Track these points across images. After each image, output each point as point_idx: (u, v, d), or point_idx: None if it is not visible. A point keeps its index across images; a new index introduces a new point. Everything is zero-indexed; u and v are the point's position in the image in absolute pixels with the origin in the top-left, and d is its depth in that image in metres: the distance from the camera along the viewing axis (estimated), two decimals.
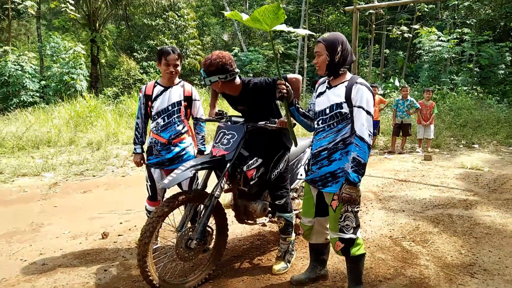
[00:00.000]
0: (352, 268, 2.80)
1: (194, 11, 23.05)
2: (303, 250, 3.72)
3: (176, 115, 3.57)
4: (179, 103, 3.57)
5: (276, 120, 3.05)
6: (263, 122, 3.07)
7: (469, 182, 6.39)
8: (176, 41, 20.31)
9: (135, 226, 4.44)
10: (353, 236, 2.69)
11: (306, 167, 3.70)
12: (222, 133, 3.12)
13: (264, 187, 3.37)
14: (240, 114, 3.39)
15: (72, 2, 14.85)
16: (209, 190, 3.05)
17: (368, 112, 2.56)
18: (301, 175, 3.75)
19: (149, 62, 19.56)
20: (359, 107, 2.57)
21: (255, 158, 3.19)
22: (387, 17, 20.94)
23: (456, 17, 20.45)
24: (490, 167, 7.52)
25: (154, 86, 3.60)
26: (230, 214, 3.43)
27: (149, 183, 3.65)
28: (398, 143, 9.71)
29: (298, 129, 10.33)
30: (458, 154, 9.11)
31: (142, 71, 18.84)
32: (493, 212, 4.83)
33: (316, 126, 2.82)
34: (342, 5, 22.60)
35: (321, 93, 2.82)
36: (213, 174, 3.16)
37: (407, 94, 9.40)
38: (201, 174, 3.14)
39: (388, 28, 19.10)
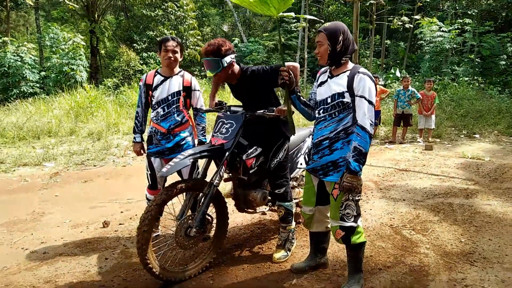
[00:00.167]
0: (352, 256, 2.81)
1: (194, 2, 22.87)
2: (303, 238, 3.73)
3: (175, 105, 3.55)
4: (178, 93, 3.56)
5: (274, 108, 3.04)
6: (262, 111, 3.06)
7: (470, 172, 6.39)
8: (175, 32, 20.18)
9: (136, 215, 4.44)
10: (353, 224, 2.69)
11: (306, 156, 3.72)
12: (221, 123, 3.11)
13: (264, 176, 3.37)
14: (239, 104, 3.39)
15: None
16: (209, 179, 3.05)
17: (370, 102, 2.55)
18: (301, 164, 3.75)
19: (149, 53, 19.46)
20: (361, 96, 2.56)
21: (255, 147, 3.19)
22: (388, 7, 20.79)
23: (457, 8, 20.32)
24: (491, 156, 7.52)
25: (155, 76, 3.59)
26: (230, 203, 3.44)
27: (149, 172, 3.64)
28: (399, 133, 9.70)
29: (299, 119, 10.32)
30: (459, 144, 9.10)
31: (142, 62, 18.77)
32: (494, 201, 4.84)
33: (317, 115, 2.81)
34: None
35: (322, 83, 2.80)
36: (213, 163, 3.16)
37: (408, 85, 9.37)
38: (201, 163, 3.14)
39: (389, 19, 19.00)
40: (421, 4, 19.79)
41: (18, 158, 7.08)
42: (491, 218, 4.27)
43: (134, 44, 20.28)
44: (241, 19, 25.33)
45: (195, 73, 19.83)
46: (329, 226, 2.97)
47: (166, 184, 3.28)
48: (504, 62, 17.36)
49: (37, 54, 17.92)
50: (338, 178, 2.66)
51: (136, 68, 18.11)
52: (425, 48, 18.08)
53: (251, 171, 3.17)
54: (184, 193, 3.02)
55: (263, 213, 3.66)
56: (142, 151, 3.72)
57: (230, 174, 3.29)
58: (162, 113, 3.55)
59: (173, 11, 20.60)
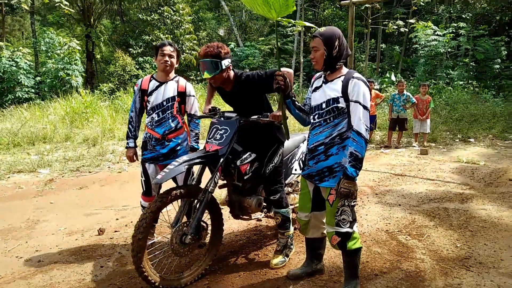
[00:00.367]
0: (348, 262, 2.81)
1: (190, 6, 22.92)
2: (299, 244, 3.73)
3: (169, 111, 3.55)
4: (173, 98, 3.56)
5: (268, 114, 3.05)
6: (256, 116, 3.06)
7: (465, 176, 6.41)
8: (171, 36, 20.20)
9: (132, 222, 4.43)
10: (349, 230, 2.69)
11: (300, 162, 3.73)
12: (215, 129, 3.11)
13: (259, 182, 3.37)
14: (232, 110, 3.38)
15: None
16: (204, 186, 3.04)
17: (364, 107, 2.56)
18: (295, 170, 3.75)
19: (144, 57, 19.47)
20: (356, 101, 2.56)
21: (249, 153, 3.19)
22: (383, 11, 20.92)
23: (452, 11, 20.45)
24: (486, 161, 7.55)
25: (150, 81, 3.58)
26: (226, 210, 3.43)
27: (143, 178, 3.63)
28: (395, 138, 9.73)
29: (295, 124, 10.32)
30: (454, 148, 9.14)
31: (138, 67, 18.76)
32: (489, 206, 4.85)
33: (312, 120, 2.82)
34: (338, 0, 22.54)
35: (317, 88, 2.81)
36: (207, 170, 3.15)
37: (403, 89, 9.40)
38: (196, 169, 3.13)
39: (384, 23, 19.08)
40: (416, 8, 19.86)
41: (13, 165, 7.05)
42: (486, 223, 4.28)
43: (130, 49, 20.28)
44: (237, 23, 25.38)
45: (191, 77, 19.82)
46: (325, 232, 2.96)
47: (161, 191, 3.27)
48: (498, 66, 17.46)
49: (32, 59, 17.87)
50: (334, 183, 2.66)
51: (132, 73, 18.09)
52: (420, 52, 18.18)
53: (245, 177, 3.17)
54: (179, 200, 3.01)
55: (259, 220, 3.66)
56: (135, 157, 3.69)
57: (225, 181, 3.29)
58: (156, 118, 3.54)
59: (169, 15, 20.63)
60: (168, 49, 3.49)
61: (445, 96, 14.82)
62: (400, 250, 3.64)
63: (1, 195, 5.55)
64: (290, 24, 2.95)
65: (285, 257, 3.42)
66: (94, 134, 9.63)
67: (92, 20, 20.12)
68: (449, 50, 17.90)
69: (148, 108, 3.57)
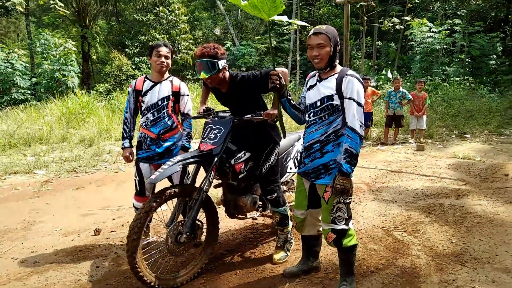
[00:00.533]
0: (344, 259, 2.82)
1: (185, 6, 22.90)
2: (295, 242, 3.73)
3: (165, 110, 3.56)
4: (167, 97, 3.56)
5: (262, 112, 3.05)
6: (250, 115, 3.07)
7: (461, 172, 6.43)
8: (167, 36, 20.17)
9: (128, 222, 4.42)
10: (345, 227, 2.70)
11: (295, 161, 3.73)
12: (209, 128, 3.11)
13: (254, 181, 3.38)
14: (227, 109, 3.38)
15: None
16: (198, 185, 3.03)
17: (359, 104, 2.57)
18: (290, 168, 3.76)
19: (141, 57, 19.42)
20: (350, 98, 2.57)
21: (243, 152, 3.20)
22: (379, 9, 20.93)
23: (447, 8, 20.50)
24: (482, 156, 7.57)
25: (144, 81, 3.59)
26: (222, 208, 3.43)
27: (137, 178, 3.63)
28: (391, 135, 9.74)
29: (291, 122, 10.33)
30: (450, 144, 9.16)
31: (134, 67, 18.72)
32: (484, 201, 4.87)
33: (307, 119, 2.83)
34: None
35: (311, 86, 2.82)
36: (202, 169, 3.15)
37: (399, 86, 9.41)
38: (191, 168, 3.13)
39: (380, 20, 19.07)
40: (411, 5, 19.92)
41: (9, 166, 7.03)
42: (481, 219, 4.29)
43: (126, 49, 20.23)
44: (233, 22, 25.36)
45: (188, 77, 19.80)
46: (320, 229, 2.97)
47: (155, 191, 3.27)
48: (494, 62, 17.53)
49: (28, 60, 17.82)
50: (330, 180, 2.67)
51: (128, 73, 18.05)
52: (416, 49, 18.20)
53: (240, 176, 3.18)
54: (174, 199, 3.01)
55: (254, 218, 3.66)
56: (131, 157, 3.67)
57: (220, 180, 3.29)
58: (152, 118, 3.55)
59: (165, 15, 20.59)
60: (164, 50, 3.49)
61: (441, 93, 14.86)
62: (396, 247, 3.65)
63: None
64: (286, 23, 2.96)
65: (287, 252, 3.47)
66: (90, 134, 9.61)
67: (87, 21, 20.04)
68: (444, 46, 17.94)
69: (143, 108, 3.57)
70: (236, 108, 3.26)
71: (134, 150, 3.68)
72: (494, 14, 20.31)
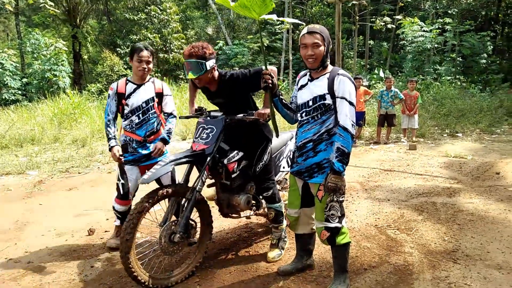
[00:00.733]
0: (338, 257, 2.84)
1: (177, 5, 22.85)
2: (290, 241, 3.75)
3: (151, 112, 3.58)
4: (152, 99, 3.58)
5: (253, 112, 3.07)
6: (242, 115, 3.08)
7: (453, 170, 6.50)
8: (159, 35, 20.13)
9: None
10: (338, 225, 2.72)
11: (288, 160, 3.75)
12: (201, 128, 3.12)
13: (247, 180, 3.38)
14: (218, 109, 3.39)
15: None
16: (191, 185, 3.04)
17: (350, 103, 2.59)
18: (283, 167, 3.79)
19: None
20: (342, 98, 2.60)
21: (236, 151, 3.21)
22: (370, 8, 21.05)
23: (438, 7, 20.66)
24: (473, 155, 7.65)
25: (126, 84, 3.57)
26: (216, 208, 3.44)
27: (121, 181, 3.59)
28: (384, 134, 9.80)
29: (285, 123, 10.34)
30: (442, 143, 9.24)
31: (126, 67, 18.67)
32: (476, 199, 4.93)
33: (300, 118, 2.84)
34: None
35: (302, 86, 2.84)
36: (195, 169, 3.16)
37: (391, 85, 9.47)
38: (183, 169, 3.12)
39: (371, 20, 19.20)
40: (402, 4, 20.08)
41: (1, 167, 6.98)
42: (473, 216, 4.34)
43: (118, 49, 20.16)
44: (225, 21, 25.34)
45: (180, 76, 19.75)
46: (314, 227, 3.00)
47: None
48: (484, 61, 17.70)
49: (18, 60, 17.68)
50: (323, 179, 2.69)
51: (120, 73, 17.99)
52: (408, 48, 18.34)
53: (233, 176, 3.19)
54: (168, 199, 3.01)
55: (248, 218, 3.67)
56: (120, 156, 3.54)
57: (213, 179, 3.30)
58: (137, 121, 3.55)
59: (156, 14, 20.54)
60: (145, 55, 3.47)
61: (433, 92, 14.97)
62: (389, 244, 3.68)
63: None
64: (278, 22, 2.94)
65: (281, 250, 3.49)
66: (83, 135, 9.56)
67: (78, 20, 19.92)
68: (436, 45, 18.09)
69: (127, 111, 3.55)
70: (226, 107, 3.26)
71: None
72: (485, 13, 20.52)
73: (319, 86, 2.69)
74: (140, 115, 3.54)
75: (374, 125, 11.08)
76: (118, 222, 3.77)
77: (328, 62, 2.75)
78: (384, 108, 9.45)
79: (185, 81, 17.54)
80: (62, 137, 9.65)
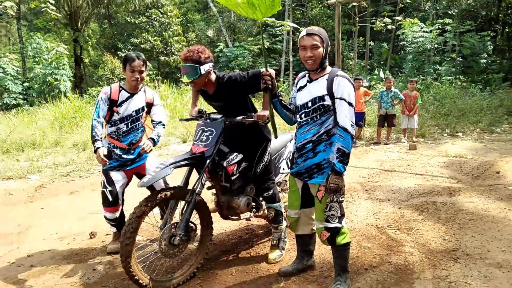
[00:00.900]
0: (338, 257, 2.85)
1: (178, 8, 22.94)
2: (290, 242, 3.76)
3: (139, 122, 3.61)
4: (142, 109, 3.61)
5: (253, 114, 3.09)
6: (241, 117, 3.10)
7: (453, 170, 6.50)
8: (160, 38, 20.19)
9: None
10: (338, 225, 2.74)
11: (288, 161, 3.77)
12: (201, 131, 3.13)
13: (247, 182, 3.40)
14: (217, 112, 3.41)
15: (53, 1, 14.64)
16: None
17: (349, 104, 2.62)
18: (283, 169, 3.80)
19: None
20: (341, 98, 2.62)
21: (235, 153, 3.23)
22: (371, 9, 21.07)
23: (438, 8, 20.66)
24: (474, 154, 7.65)
25: (120, 91, 3.55)
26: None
27: (108, 188, 3.57)
28: (384, 134, 9.81)
29: (284, 125, 10.37)
30: (442, 142, 9.24)
31: None
32: (476, 199, 4.93)
33: (299, 119, 2.87)
34: None
35: (301, 87, 2.86)
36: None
37: (391, 86, 9.48)
38: (183, 171, 3.14)
39: (372, 21, 19.22)
40: (402, 6, 20.09)
41: (2, 172, 7.01)
42: (473, 215, 4.35)
43: (119, 52, 20.23)
44: (225, 24, 25.40)
45: (181, 79, 19.77)
46: (314, 228, 3.01)
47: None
48: (484, 61, 17.70)
49: (19, 64, 17.75)
50: (322, 180, 2.71)
51: (121, 76, 18.04)
52: (408, 48, 18.35)
53: (233, 178, 3.21)
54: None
55: (248, 220, 3.69)
56: (106, 161, 3.39)
57: (213, 182, 3.31)
58: (125, 129, 3.56)
59: (157, 17, 20.61)
60: (138, 64, 3.45)
61: (433, 92, 14.97)
62: (390, 244, 3.69)
63: None
64: (278, 24, 2.95)
65: (282, 251, 3.50)
66: (83, 138, 9.57)
67: (79, 24, 19.96)
68: (436, 46, 18.09)
69: (115, 119, 3.54)
70: (224, 109, 3.29)
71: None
72: (485, 13, 20.51)
73: (318, 87, 2.71)
74: (129, 123, 3.56)
75: (374, 126, 11.08)
76: (114, 229, 3.80)
77: (327, 64, 2.77)
78: (384, 108, 9.46)
79: (186, 84, 17.57)
80: (63, 141, 9.68)
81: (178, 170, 2.99)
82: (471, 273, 3.10)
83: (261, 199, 3.55)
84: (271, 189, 3.40)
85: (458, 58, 17.89)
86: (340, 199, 2.75)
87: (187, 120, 3.52)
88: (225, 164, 3.15)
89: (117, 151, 3.57)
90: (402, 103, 9.45)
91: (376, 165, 7.20)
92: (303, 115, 2.81)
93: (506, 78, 17.70)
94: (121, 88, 3.57)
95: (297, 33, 21.71)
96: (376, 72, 18.82)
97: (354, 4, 15.72)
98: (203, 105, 9.63)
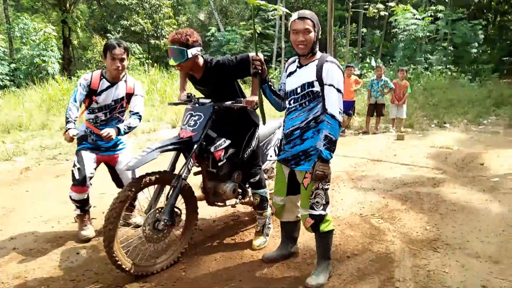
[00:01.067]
0: (321, 244, 2.90)
1: None
2: (275, 229, 3.79)
3: (118, 111, 3.58)
4: (121, 99, 3.57)
5: (242, 99, 3.08)
6: (230, 102, 3.09)
7: (439, 161, 6.58)
8: (150, 21, 19.91)
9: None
10: (322, 212, 2.77)
11: (276, 148, 3.78)
12: (189, 115, 3.12)
13: (234, 169, 3.41)
14: (204, 97, 3.39)
15: None
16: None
17: (338, 90, 2.62)
18: (271, 156, 3.82)
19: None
20: (330, 85, 2.62)
21: (223, 139, 3.22)
22: None
23: None
24: (459, 145, 7.75)
25: (101, 79, 3.50)
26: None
27: (77, 166, 3.49)
28: (373, 123, 9.85)
29: (271, 111, 10.35)
30: (430, 133, 9.33)
31: None
32: (459, 190, 5.01)
33: (288, 105, 2.86)
34: None
35: (291, 73, 2.85)
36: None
37: (381, 74, 9.49)
38: (170, 156, 3.14)
39: (365, 7, 19.13)
40: None
41: None
42: (455, 206, 4.42)
43: (108, 34, 19.95)
44: (217, 7, 25.12)
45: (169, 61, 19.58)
46: (299, 215, 3.04)
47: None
48: (475, 50, 17.78)
49: (6, 45, 17.39)
50: (309, 167, 2.73)
51: None
52: (400, 36, 18.35)
53: (219, 164, 3.21)
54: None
55: (233, 206, 3.70)
56: (73, 137, 3.31)
57: (200, 167, 3.31)
58: (103, 118, 3.54)
59: None
60: (118, 52, 3.38)
61: (423, 81, 15.05)
62: (372, 233, 3.75)
63: None
64: (271, 8, 2.92)
65: (266, 237, 3.53)
66: None
67: (68, 4, 19.58)
68: (428, 34, 18.12)
69: (94, 107, 3.50)
70: (212, 93, 3.27)
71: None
72: (478, 1, 20.54)
73: (308, 73, 2.70)
74: (108, 113, 3.53)
75: (363, 115, 11.12)
76: (78, 211, 3.65)
77: (317, 49, 2.75)
78: (374, 97, 9.48)
79: (175, 67, 17.42)
80: (50, 124, 9.56)
81: (165, 155, 2.99)
82: (449, 262, 3.17)
83: (247, 185, 3.57)
84: (258, 175, 3.41)
85: (449, 47, 17.95)
86: (326, 187, 2.77)
87: (175, 104, 3.49)
88: (212, 149, 3.14)
89: (93, 137, 3.55)
90: (392, 92, 9.47)
91: (363, 154, 7.25)
92: (291, 101, 2.81)
93: (495, 69, 17.85)
94: (102, 77, 3.50)
95: (290, 18, 21.57)
96: (368, 60, 18.83)
97: None
98: (192, 90, 9.54)
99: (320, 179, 2.63)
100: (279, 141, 3.08)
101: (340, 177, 5.68)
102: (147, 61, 18.30)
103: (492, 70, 17.54)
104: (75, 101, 3.41)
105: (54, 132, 8.99)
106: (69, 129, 3.29)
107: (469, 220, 4.04)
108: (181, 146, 3.00)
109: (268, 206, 3.55)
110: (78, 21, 21.21)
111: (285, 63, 20.29)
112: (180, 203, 3.11)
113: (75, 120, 3.38)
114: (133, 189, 2.77)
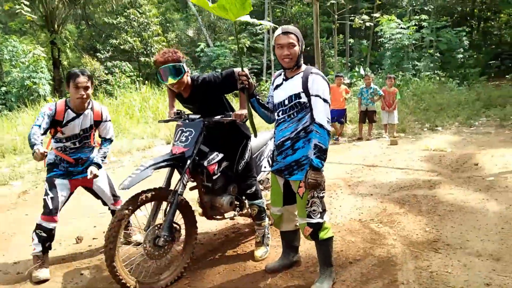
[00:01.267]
0: (322, 251, 2.92)
1: (156, 8, 22.75)
2: (276, 239, 3.81)
3: (87, 140, 3.53)
4: (90, 127, 3.51)
5: (231, 113, 3.14)
6: (219, 116, 3.14)
7: (433, 163, 6.66)
8: (139, 39, 20.01)
9: None
10: (320, 220, 2.81)
11: (269, 159, 3.83)
12: (180, 131, 3.15)
13: (229, 181, 3.44)
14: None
15: (27, 3, 14.29)
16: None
17: (324, 100, 2.69)
18: (265, 167, 3.86)
19: (113, 61, 19.18)
20: (316, 96, 2.69)
21: (216, 153, 3.26)
22: (349, 6, 21.26)
23: (415, 4, 21.00)
24: (453, 147, 7.85)
25: (65, 111, 3.36)
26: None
27: (50, 195, 3.41)
28: (366, 130, 9.96)
29: (261, 123, 10.41)
30: (423, 137, 9.44)
31: (107, 71, 18.48)
32: (455, 190, 5.07)
33: (276, 117, 2.93)
34: None
35: (278, 86, 2.92)
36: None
37: (370, 82, 9.66)
38: (164, 172, 3.16)
39: (350, 18, 19.41)
40: (380, 2, 20.35)
41: None
42: (453, 207, 4.48)
43: (98, 54, 19.99)
44: (205, 23, 25.29)
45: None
46: (297, 224, 3.07)
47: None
48: (461, 56, 18.07)
49: None
50: (303, 176, 2.77)
51: (102, 78, 17.82)
52: (386, 45, 18.61)
53: (214, 177, 3.24)
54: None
55: (232, 219, 3.73)
56: (43, 155, 3.15)
57: (195, 182, 3.34)
58: (72, 147, 3.47)
59: (136, 17, 20.41)
60: (82, 81, 3.26)
61: (413, 87, 15.24)
62: (373, 238, 3.78)
63: None
64: (258, 23, 2.97)
65: (267, 247, 3.55)
66: None
67: (56, 25, 19.57)
68: (413, 42, 18.40)
69: (61, 137, 3.42)
70: (200, 110, 3.31)
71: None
72: (460, 9, 20.96)
73: (294, 85, 2.77)
74: (77, 142, 3.47)
75: (356, 122, 11.22)
76: (39, 249, 3.35)
77: (302, 62, 2.84)
78: (364, 104, 9.63)
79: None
80: (44, 146, 9.52)
81: (159, 172, 3.01)
82: (451, 262, 3.20)
83: (244, 197, 3.60)
84: (253, 186, 3.45)
85: (436, 54, 18.22)
86: (321, 195, 2.81)
87: (166, 121, 3.53)
88: (205, 163, 3.17)
89: (64, 164, 3.48)
90: (382, 99, 9.61)
91: (358, 160, 7.32)
92: (280, 112, 2.87)
93: (483, 73, 18.14)
94: (67, 107, 3.37)
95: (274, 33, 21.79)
96: (356, 69, 19.04)
97: (333, 1, 15.86)
98: (181, 107, 9.57)
99: (313, 187, 2.67)
100: (272, 152, 3.13)
101: (336, 184, 5.72)
102: (138, 78, 18.36)
103: (480, 74, 17.82)
104: (40, 128, 3.23)
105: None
106: (37, 148, 3.10)
107: (468, 219, 4.09)
108: (174, 162, 3.03)
109: (266, 216, 3.57)
110: (67, 41, 21.26)
111: None
112: (179, 218, 3.14)
113: (41, 142, 3.20)
114: (130, 207, 2.78)
